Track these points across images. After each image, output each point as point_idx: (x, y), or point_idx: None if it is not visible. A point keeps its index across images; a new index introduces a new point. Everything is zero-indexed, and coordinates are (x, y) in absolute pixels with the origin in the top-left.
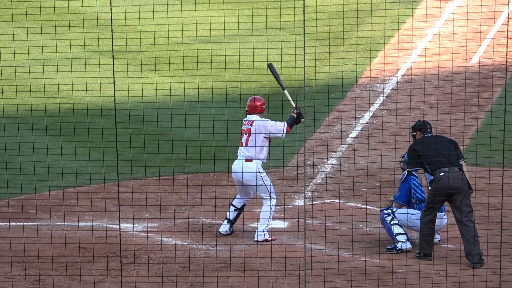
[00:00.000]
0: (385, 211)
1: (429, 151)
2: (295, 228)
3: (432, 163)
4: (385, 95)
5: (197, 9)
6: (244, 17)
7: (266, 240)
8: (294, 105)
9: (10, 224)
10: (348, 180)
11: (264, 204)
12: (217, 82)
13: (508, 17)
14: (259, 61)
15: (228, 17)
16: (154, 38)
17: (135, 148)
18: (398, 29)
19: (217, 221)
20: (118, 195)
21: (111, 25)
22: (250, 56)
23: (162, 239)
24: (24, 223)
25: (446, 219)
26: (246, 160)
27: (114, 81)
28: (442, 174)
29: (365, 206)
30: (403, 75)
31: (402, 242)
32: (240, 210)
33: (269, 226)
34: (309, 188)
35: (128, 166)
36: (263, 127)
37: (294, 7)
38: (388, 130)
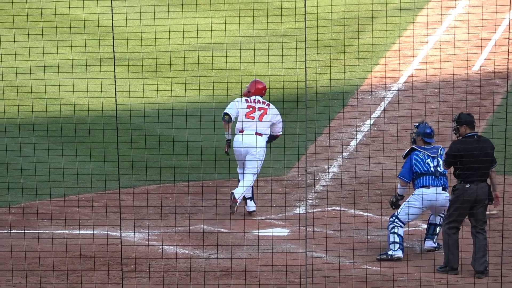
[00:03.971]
0: (390, 219)
1: (472, 158)
2: (296, 236)
3: (466, 174)
4: (387, 102)
5: (198, 16)
6: (245, 24)
7: (235, 201)
8: None
9: (11, 231)
10: (349, 187)
11: (249, 173)
12: (218, 89)
13: (509, 25)
14: (261, 69)
15: (229, 25)
16: (155, 45)
17: (136, 155)
18: (400, 36)
19: (218, 229)
20: (119, 202)
21: (112, 33)
22: (251, 63)
23: (163, 246)
24: (25, 231)
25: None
26: (257, 133)
27: (115, 88)
28: (468, 185)
29: (366, 214)
30: (404, 82)
31: (393, 250)
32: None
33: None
34: (310, 196)
35: (129, 174)
36: (275, 115)
37: (295, 15)
38: (390, 137)
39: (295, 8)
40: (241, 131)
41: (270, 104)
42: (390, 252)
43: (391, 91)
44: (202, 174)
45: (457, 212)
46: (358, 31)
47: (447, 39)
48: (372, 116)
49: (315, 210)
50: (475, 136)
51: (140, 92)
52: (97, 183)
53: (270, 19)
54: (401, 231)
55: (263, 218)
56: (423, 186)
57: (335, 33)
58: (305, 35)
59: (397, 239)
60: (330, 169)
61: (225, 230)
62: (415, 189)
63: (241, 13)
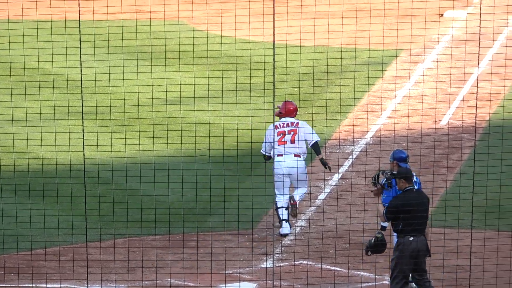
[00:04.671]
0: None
1: (413, 213)
2: None
3: (408, 229)
4: (354, 156)
5: (167, 70)
6: (214, 78)
7: (295, 203)
8: None
9: None
10: (317, 241)
11: (301, 187)
12: (187, 143)
13: (477, 79)
14: (229, 123)
15: (198, 78)
16: (124, 99)
17: (103, 209)
18: (368, 90)
19: (185, 283)
20: (87, 256)
21: (81, 86)
22: (220, 117)
23: None
24: None
25: None
26: (295, 155)
27: (83, 142)
28: (412, 238)
29: (333, 268)
30: (372, 136)
31: None
32: (287, 207)
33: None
34: (278, 250)
35: (97, 228)
36: (305, 128)
37: (264, 69)
38: (357, 192)
39: (264, 62)
40: (280, 155)
41: (300, 123)
42: None
43: (359, 145)
44: (170, 228)
45: (405, 267)
46: (327, 86)
47: (416, 94)
48: (340, 170)
49: (282, 264)
50: (414, 190)
51: (108, 146)
52: (65, 237)
53: (238, 73)
54: None
55: (230, 272)
56: None
57: (303, 87)
58: (274, 89)
59: None
60: (298, 223)
61: (192, 284)
62: None
63: (210, 67)
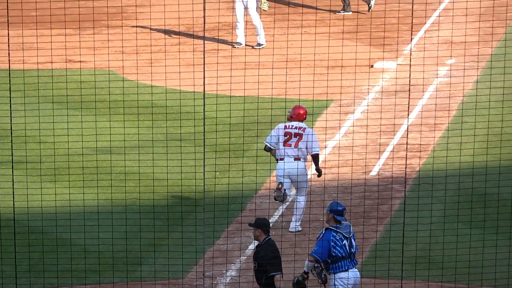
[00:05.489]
0: None
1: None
2: None
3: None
4: (285, 207)
5: (97, 119)
6: (144, 128)
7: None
8: None
9: None
10: None
11: (299, 200)
12: (116, 193)
13: (407, 130)
14: (159, 172)
15: (128, 128)
16: (54, 148)
17: (33, 258)
18: None
19: None
20: None
21: (11, 135)
22: (150, 167)
23: None
24: None
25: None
26: (295, 159)
27: (13, 191)
28: None
29: None
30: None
31: None
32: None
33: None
34: None
35: (27, 277)
36: (310, 135)
37: (194, 119)
38: (288, 242)
39: (194, 112)
40: (281, 159)
41: (306, 129)
42: None
43: (289, 195)
44: (100, 278)
45: None
46: (257, 136)
47: (346, 144)
48: (270, 220)
49: None
50: (271, 239)
51: (38, 195)
52: None
53: (169, 123)
54: None
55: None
56: (343, 271)
57: (234, 137)
58: (204, 139)
59: None
60: (228, 273)
61: None
62: (334, 273)
63: (140, 117)
